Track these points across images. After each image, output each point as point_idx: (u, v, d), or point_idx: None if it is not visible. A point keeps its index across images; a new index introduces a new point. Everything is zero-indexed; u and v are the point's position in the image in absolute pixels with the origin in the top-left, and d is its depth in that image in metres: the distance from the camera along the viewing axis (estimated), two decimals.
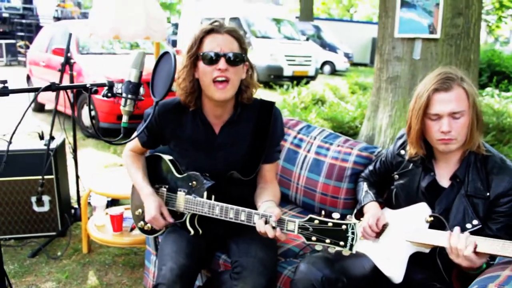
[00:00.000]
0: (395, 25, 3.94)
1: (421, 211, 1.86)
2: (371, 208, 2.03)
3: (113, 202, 3.77)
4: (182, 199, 1.98)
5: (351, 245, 1.54)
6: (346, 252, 1.54)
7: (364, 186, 2.20)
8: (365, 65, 22.60)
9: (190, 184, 1.97)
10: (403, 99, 3.99)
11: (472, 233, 1.69)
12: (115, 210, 2.91)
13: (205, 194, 1.91)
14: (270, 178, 2.05)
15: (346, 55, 19.46)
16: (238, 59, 1.83)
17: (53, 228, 3.34)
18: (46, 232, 3.33)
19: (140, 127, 1.99)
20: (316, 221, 1.60)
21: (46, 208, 3.29)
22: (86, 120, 6.49)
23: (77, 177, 3.47)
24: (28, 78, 8.38)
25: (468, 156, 1.79)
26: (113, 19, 3.73)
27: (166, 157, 2.15)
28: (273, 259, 1.93)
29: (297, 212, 2.59)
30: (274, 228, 1.67)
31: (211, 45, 1.82)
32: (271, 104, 2.03)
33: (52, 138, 3.32)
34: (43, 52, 7.64)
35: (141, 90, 1.81)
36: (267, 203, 1.84)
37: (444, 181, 1.85)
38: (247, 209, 1.77)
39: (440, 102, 1.72)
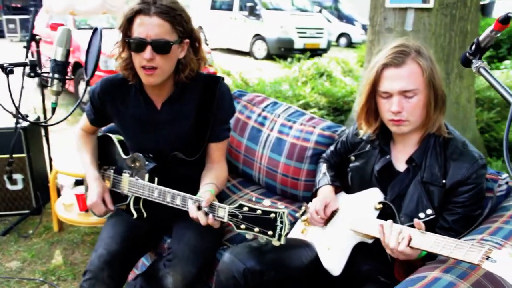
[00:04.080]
0: None
1: (373, 197, 1.71)
2: (323, 192, 1.89)
3: None
4: (126, 181, 1.91)
5: (280, 235, 1.42)
6: (275, 242, 1.42)
7: (323, 168, 2.05)
8: None
9: (133, 165, 1.89)
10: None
11: (425, 223, 1.54)
12: (81, 189, 2.84)
13: (146, 176, 1.83)
14: (218, 158, 1.94)
15: (364, 27, 18.82)
16: (167, 47, 1.68)
17: (27, 206, 3.31)
18: (20, 210, 3.30)
19: (77, 106, 1.92)
20: (246, 208, 1.48)
21: (19, 186, 3.25)
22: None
23: (50, 159, 3.41)
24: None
25: (427, 139, 1.61)
26: None
27: (115, 138, 2.09)
28: (208, 246, 1.83)
29: (260, 194, 2.47)
30: (206, 214, 1.57)
31: (138, 30, 1.67)
32: (217, 79, 1.90)
33: (25, 116, 3.25)
34: (43, 27, 7.57)
35: None
36: (206, 186, 1.74)
37: (400, 165, 1.68)
38: (182, 193, 1.69)
39: (389, 79, 1.54)
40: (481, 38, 1.16)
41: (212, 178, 1.81)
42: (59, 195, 3.23)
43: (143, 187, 1.82)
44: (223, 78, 1.92)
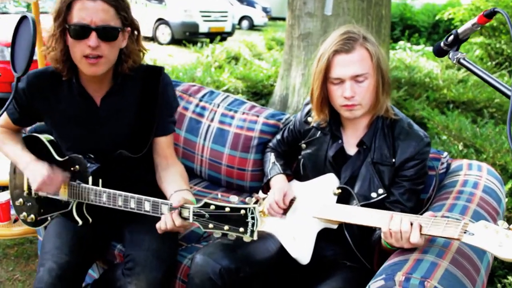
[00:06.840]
0: None
1: (329, 182, 1.73)
2: (278, 182, 1.88)
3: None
4: (65, 186, 1.72)
5: (252, 231, 1.37)
6: (247, 238, 1.37)
7: (271, 157, 2.03)
8: (283, 19, 22.36)
9: (72, 168, 1.72)
10: (316, 56, 3.86)
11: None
12: (1, 197, 2.53)
13: (90, 179, 1.68)
14: (171, 155, 1.84)
15: (264, 10, 19.10)
16: (113, 33, 1.57)
17: None
18: None
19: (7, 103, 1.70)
20: (212, 207, 1.41)
21: None
22: None
23: None
24: None
25: (376, 121, 1.67)
26: None
27: (45, 138, 1.87)
28: (169, 250, 1.73)
29: (203, 187, 2.39)
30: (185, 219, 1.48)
31: (80, 15, 1.52)
32: (159, 69, 1.80)
33: None
34: None
35: None
36: (183, 193, 1.61)
37: (351, 149, 1.73)
38: (136, 196, 1.57)
39: (341, 65, 1.57)
40: (460, 30, 1.19)
41: (183, 183, 1.71)
42: None
43: (88, 192, 1.67)
44: (164, 68, 1.82)
